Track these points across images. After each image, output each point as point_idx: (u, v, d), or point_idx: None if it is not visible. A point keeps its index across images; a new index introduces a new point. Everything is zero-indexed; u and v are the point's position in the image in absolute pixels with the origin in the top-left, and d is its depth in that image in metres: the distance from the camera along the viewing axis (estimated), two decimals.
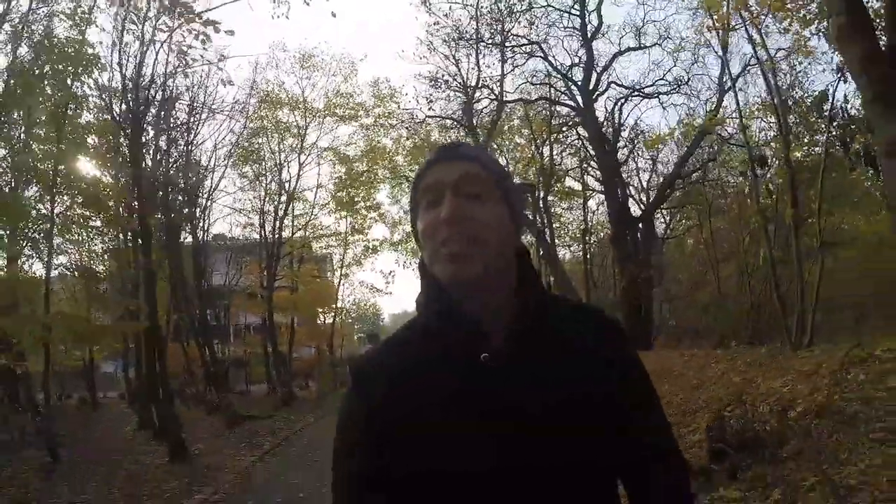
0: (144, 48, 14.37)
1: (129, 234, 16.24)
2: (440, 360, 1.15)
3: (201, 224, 24.14)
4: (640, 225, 21.51)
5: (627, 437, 1.18)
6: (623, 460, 1.19)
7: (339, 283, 29.79)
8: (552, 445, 1.08)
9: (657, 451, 1.24)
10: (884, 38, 9.84)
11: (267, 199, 26.07)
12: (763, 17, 13.94)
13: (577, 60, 22.37)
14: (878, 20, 10.50)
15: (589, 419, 1.11)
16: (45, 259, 14.12)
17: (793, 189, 11.42)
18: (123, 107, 15.47)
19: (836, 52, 9.68)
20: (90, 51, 13.59)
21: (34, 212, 13.41)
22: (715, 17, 14.65)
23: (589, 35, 21.74)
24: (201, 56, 13.23)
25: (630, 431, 1.19)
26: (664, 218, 27.68)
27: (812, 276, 11.75)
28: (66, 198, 13.87)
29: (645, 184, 26.45)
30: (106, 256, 19.20)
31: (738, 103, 13.59)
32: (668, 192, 22.72)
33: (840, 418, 6.01)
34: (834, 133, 12.30)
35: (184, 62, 13.35)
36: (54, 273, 15.67)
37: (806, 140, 14.94)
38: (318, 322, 31.01)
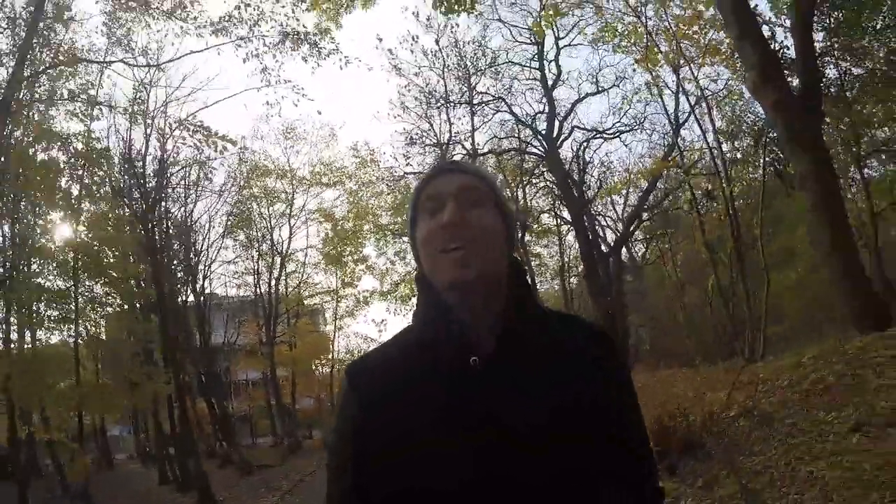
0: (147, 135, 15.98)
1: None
2: (431, 367, 1.18)
3: (202, 287, 25.40)
4: (611, 258, 22.74)
5: (611, 448, 1.17)
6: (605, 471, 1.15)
7: (334, 335, 31.02)
8: (540, 453, 1.09)
9: (634, 472, 1.23)
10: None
11: (260, 260, 27.54)
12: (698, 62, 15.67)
13: (541, 108, 23.69)
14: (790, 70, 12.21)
15: (578, 428, 1.12)
16: (74, 334, 15.27)
17: (733, 225, 12.92)
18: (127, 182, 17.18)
19: None
20: (98, 146, 15.05)
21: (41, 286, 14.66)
22: (652, 70, 16.41)
23: (549, 84, 23.08)
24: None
25: (614, 444, 1.18)
26: (641, 245, 29.04)
27: (759, 296, 13.21)
28: (86, 278, 15.18)
29: (620, 213, 27.10)
30: (104, 323, 19.91)
31: (679, 148, 15.17)
32: (635, 226, 24.07)
33: (760, 419, 7.39)
34: (770, 162, 13.87)
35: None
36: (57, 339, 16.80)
37: (749, 170, 16.47)
38: (316, 373, 32.07)
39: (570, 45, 23.15)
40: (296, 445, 22.78)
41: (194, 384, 23.47)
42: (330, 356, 31.31)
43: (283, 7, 13.42)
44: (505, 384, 1.14)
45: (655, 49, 14.99)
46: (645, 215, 24.03)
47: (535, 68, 23.40)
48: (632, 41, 16.96)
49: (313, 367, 31.53)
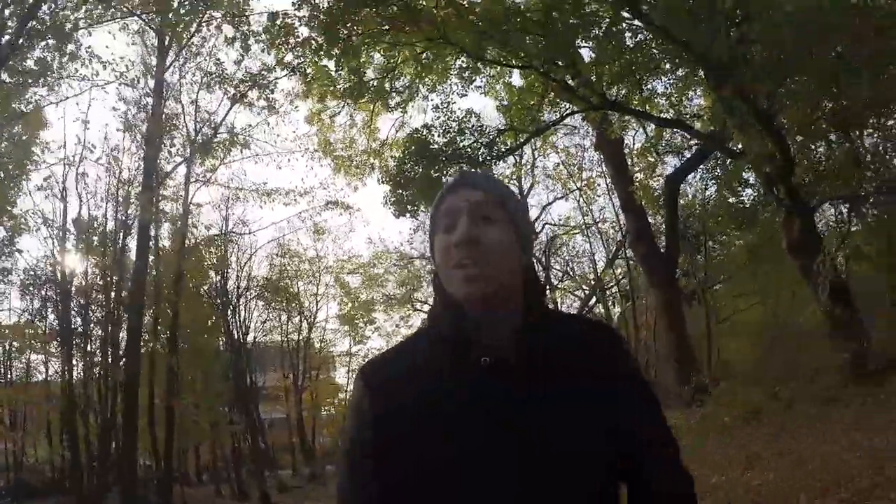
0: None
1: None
2: (444, 368, 1.22)
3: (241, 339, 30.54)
4: None
5: (630, 447, 1.21)
6: (626, 470, 1.21)
7: (347, 387, 37.30)
8: (552, 455, 1.13)
9: (659, 465, 1.26)
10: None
11: (289, 322, 34.03)
12: None
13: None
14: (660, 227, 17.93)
15: (591, 427, 1.17)
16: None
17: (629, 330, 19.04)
18: None
19: None
20: None
21: None
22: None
23: (525, 191, 28.02)
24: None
25: (633, 443, 1.22)
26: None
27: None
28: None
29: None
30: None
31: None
32: (588, 309, 29.70)
33: None
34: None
35: None
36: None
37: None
38: (325, 415, 38.29)
39: (544, 155, 27.86)
40: (317, 474, 28.12)
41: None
42: (337, 401, 37.52)
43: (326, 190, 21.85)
44: (516, 386, 1.18)
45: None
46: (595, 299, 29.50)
47: (513, 178, 26.59)
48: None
49: (324, 411, 37.80)
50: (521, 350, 1.20)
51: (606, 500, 1.18)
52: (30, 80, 13.51)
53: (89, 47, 14.80)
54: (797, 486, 6.31)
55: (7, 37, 11.39)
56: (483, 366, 1.19)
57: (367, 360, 1.41)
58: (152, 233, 18.37)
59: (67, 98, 15.91)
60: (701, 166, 17.26)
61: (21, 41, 11.60)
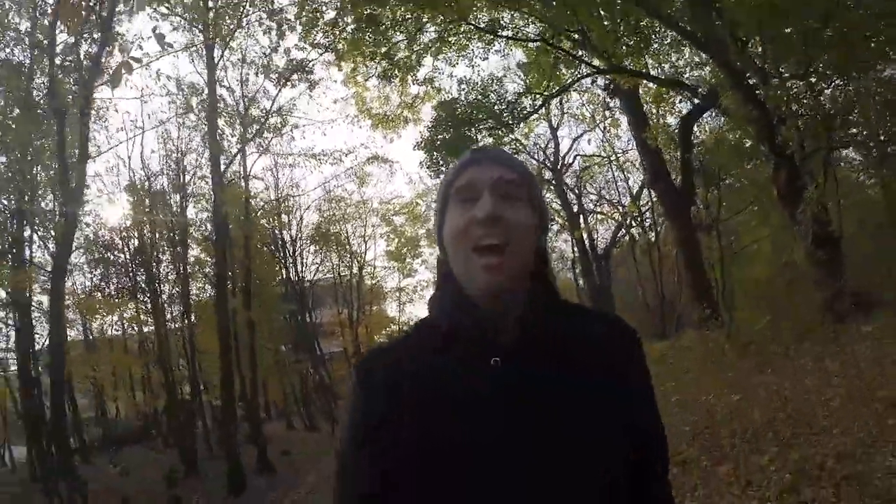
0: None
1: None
2: (451, 361, 1.17)
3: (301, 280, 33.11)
4: (602, 262, 29.50)
5: (640, 443, 1.20)
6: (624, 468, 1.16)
7: (398, 318, 39.86)
8: (559, 450, 1.10)
9: (651, 471, 1.26)
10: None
11: (340, 262, 36.15)
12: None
13: (550, 137, 29.65)
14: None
15: (605, 421, 1.14)
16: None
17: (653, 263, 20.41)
18: None
19: None
20: None
21: None
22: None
23: (555, 125, 29.35)
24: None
25: (643, 440, 1.22)
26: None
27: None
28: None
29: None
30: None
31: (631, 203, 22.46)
32: (620, 237, 31.27)
33: None
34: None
35: None
36: None
37: None
38: None
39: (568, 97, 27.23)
40: None
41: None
42: (389, 332, 39.91)
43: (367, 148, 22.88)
44: (526, 379, 1.13)
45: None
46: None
47: (542, 115, 27.10)
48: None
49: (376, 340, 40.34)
50: (531, 343, 1.16)
51: (617, 492, 1.14)
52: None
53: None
54: (756, 405, 7.80)
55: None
56: (494, 365, 1.14)
57: (366, 351, 1.35)
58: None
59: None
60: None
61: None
